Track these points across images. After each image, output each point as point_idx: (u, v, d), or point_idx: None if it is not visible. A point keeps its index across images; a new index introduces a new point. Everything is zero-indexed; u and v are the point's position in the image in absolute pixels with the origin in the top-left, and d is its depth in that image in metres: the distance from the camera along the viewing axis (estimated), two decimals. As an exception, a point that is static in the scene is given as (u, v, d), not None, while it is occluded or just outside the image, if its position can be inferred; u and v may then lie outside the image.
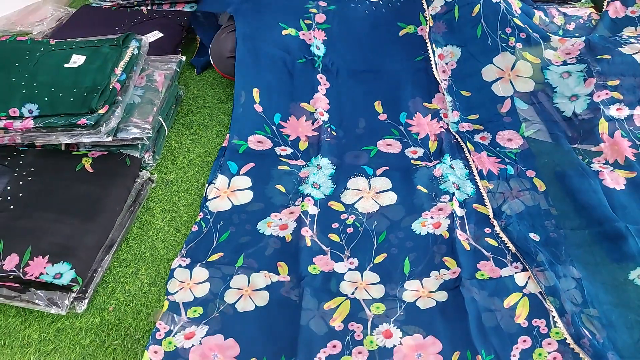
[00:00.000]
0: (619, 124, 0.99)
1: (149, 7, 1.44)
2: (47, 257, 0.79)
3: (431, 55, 1.14)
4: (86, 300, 0.79)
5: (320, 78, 1.14)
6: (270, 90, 1.11)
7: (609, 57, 1.02)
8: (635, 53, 1.02)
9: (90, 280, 0.81)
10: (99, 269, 0.83)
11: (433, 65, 1.13)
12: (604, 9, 1.31)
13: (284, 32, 1.14)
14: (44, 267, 0.77)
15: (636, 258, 0.79)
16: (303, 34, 1.15)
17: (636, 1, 1.29)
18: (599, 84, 1.01)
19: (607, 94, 1.01)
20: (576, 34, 1.22)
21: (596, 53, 1.03)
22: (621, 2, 1.30)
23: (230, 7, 1.16)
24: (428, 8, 1.14)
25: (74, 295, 0.78)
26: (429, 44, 1.14)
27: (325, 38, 1.16)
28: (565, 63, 1.05)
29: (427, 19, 1.14)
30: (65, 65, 1.02)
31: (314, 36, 1.14)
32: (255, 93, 1.10)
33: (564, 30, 1.26)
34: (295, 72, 1.13)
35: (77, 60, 1.03)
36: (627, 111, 1.00)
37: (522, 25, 1.09)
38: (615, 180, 0.93)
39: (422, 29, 1.15)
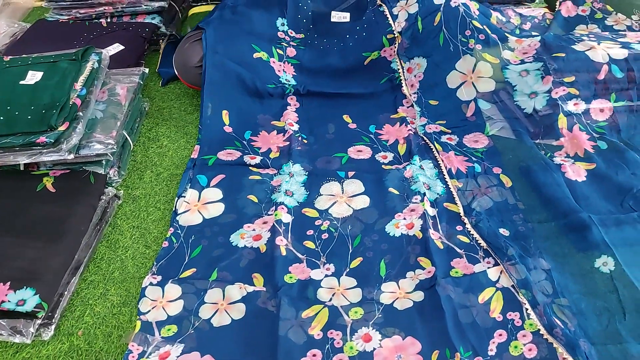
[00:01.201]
0: (577, 119, 1.03)
1: (109, 20, 1.41)
2: (9, 283, 0.75)
3: (400, 70, 1.18)
4: (53, 326, 0.76)
5: (291, 99, 1.16)
6: (240, 112, 1.11)
7: (563, 54, 1.06)
8: (587, 50, 1.06)
9: (56, 305, 0.77)
10: (66, 292, 0.80)
11: (403, 81, 1.17)
12: (557, 9, 1.37)
13: (255, 55, 1.15)
14: (6, 295, 0.74)
15: (600, 246, 0.82)
16: (274, 62, 1.16)
17: (586, 0, 1.36)
18: (556, 80, 1.04)
19: (564, 90, 1.04)
20: (533, 33, 1.27)
21: (551, 51, 1.07)
22: (572, 2, 1.37)
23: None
24: (395, 23, 1.17)
25: (39, 321, 0.75)
26: (398, 61, 1.18)
27: (295, 74, 1.19)
28: (523, 62, 1.09)
29: (396, 35, 1.17)
30: (21, 82, 0.98)
31: (283, 70, 1.16)
32: (225, 115, 1.10)
33: (520, 29, 1.30)
34: (265, 94, 1.14)
35: (33, 77, 0.99)
36: (583, 106, 1.04)
37: (481, 27, 1.13)
38: (577, 172, 0.97)
39: (385, 51, 1.20)
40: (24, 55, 1.06)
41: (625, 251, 0.82)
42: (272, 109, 1.14)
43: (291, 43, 1.22)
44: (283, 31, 1.22)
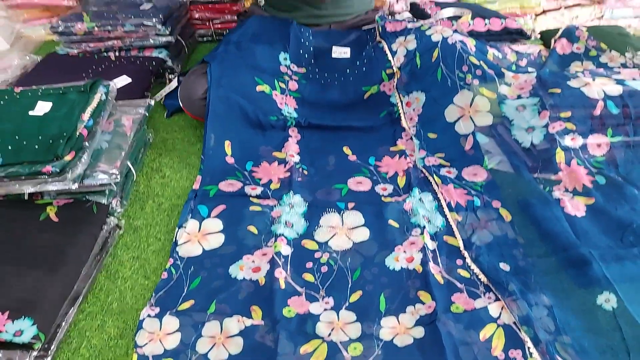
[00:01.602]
0: (574, 153, 1.04)
1: (117, 53, 1.45)
2: (7, 313, 0.75)
3: (399, 104, 1.20)
4: (49, 359, 0.75)
5: (292, 131, 1.19)
6: (242, 144, 1.13)
7: (559, 90, 1.08)
8: (582, 86, 1.08)
9: (53, 336, 0.77)
10: (63, 323, 0.79)
11: (402, 114, 1.19)
12: (551, 47, 1.41)
13: (258, 88, 1.18)
14: (4, 325, 0.73)
15: (601, 282, 0.81)
16: (276, 95, 1.20)
17: (580, 38, 1.40)
18: (552, 116, 1.06)
19: (561, 125, 1.06)
20: (529, 69, 1.30)
21: (547, 87, 1.09)
22: (567, 40, 1.41)
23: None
24: (394, 59, 1.21)
25: (35, 353, 0.74)
26: (397, 95, 1.21)
27: (297, 107, 1.22)
28: (519, 97, 1.11)
29: (395, 71, 1.21)
30: (30, 112, 1.00)
31: (285, 103, 1.19)
32: (227, 146, 1.12)
33: (516, 65, 1.34)
34: (267, 126, 1.17)
35: (42, 108, 1.02)
36: (580, 140, 1.06)
37: (478, 63, 1.16)
38: (576, 207, 0.97)
39: (384, 85, 1.23)
40: (34, 87, 1.09)
41: (627, 287, 0.81)
42: (274, 140, 1.16)
43: (293, 77, 1.25)
44: (285, 65, 1.25)
